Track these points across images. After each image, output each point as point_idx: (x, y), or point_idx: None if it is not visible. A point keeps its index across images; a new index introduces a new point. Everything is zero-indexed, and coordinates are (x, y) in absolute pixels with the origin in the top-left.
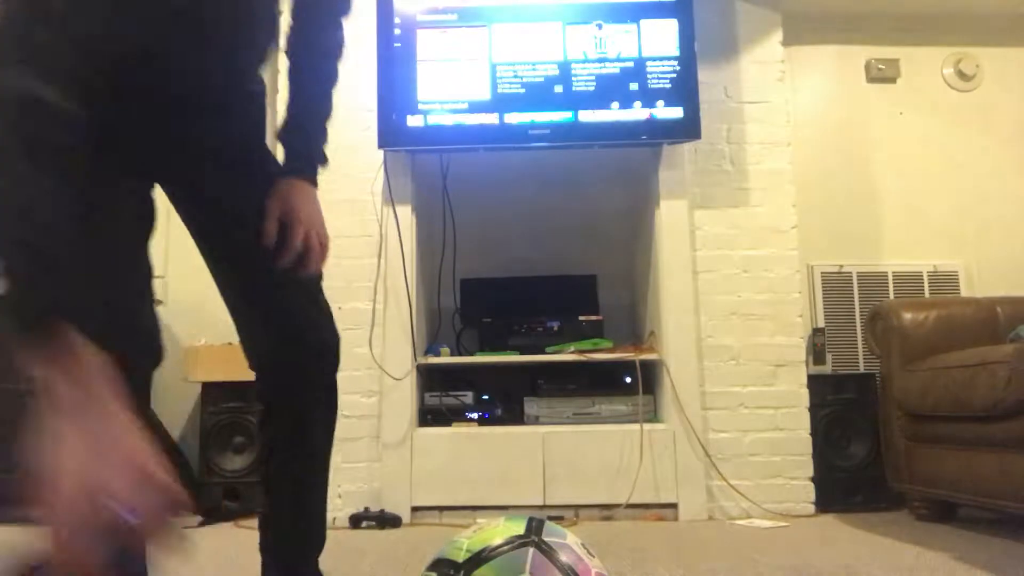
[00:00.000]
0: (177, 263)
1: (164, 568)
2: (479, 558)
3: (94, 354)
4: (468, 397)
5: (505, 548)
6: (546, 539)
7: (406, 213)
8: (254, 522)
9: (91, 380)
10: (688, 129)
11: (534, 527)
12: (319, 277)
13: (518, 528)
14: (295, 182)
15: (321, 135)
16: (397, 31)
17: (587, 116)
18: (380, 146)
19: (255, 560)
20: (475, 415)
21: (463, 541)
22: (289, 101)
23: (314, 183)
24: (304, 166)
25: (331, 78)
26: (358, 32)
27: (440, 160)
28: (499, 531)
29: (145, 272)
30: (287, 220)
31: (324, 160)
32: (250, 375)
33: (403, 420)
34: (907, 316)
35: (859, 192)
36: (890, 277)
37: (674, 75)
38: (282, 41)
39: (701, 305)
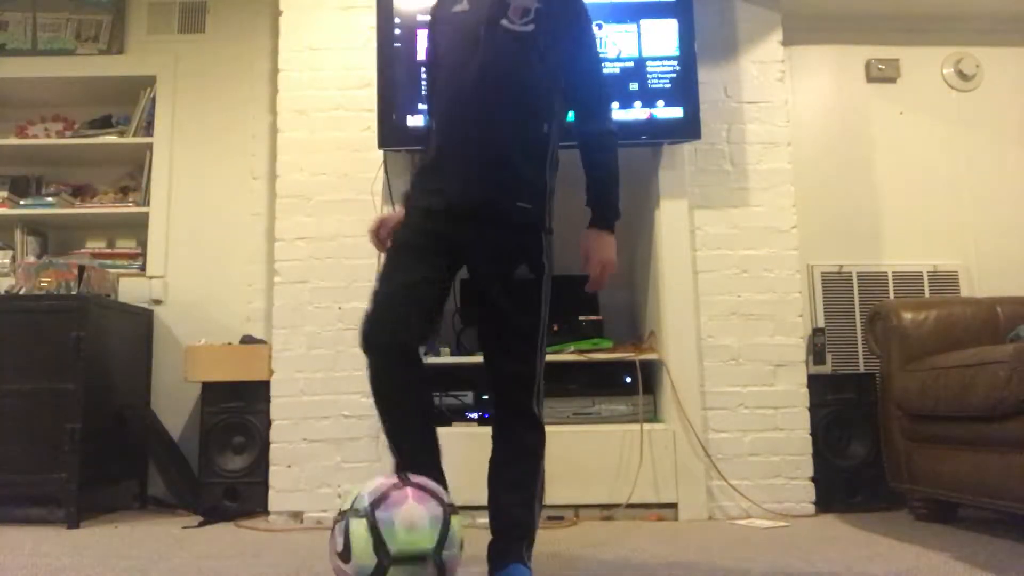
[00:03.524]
0: (177, 263)
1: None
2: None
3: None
4: (468, 397)
5: None
6: None
7: None
8: (254, 522)
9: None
10: (688, 129)
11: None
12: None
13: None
14: (591, 231)
15: (607, 195)
16: (397, 31)
17: None
18: (380, 146)
19: (255, 560)
20: (475, 415)
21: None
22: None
23: (605, 229)
24: (597, 221)
25: (597, 163)
26: (358, 32)
27: None
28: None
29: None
30: (586, 256)
31: (616, 214)
32: (250, 376)
33: None
34: (907, 316)
35: (859, 192)
36: (890, 277)
37: (674, 75)
38: None
39: (701, 305)
